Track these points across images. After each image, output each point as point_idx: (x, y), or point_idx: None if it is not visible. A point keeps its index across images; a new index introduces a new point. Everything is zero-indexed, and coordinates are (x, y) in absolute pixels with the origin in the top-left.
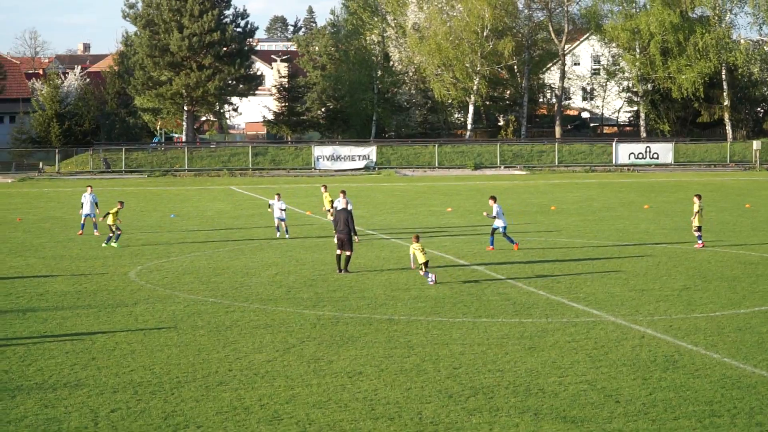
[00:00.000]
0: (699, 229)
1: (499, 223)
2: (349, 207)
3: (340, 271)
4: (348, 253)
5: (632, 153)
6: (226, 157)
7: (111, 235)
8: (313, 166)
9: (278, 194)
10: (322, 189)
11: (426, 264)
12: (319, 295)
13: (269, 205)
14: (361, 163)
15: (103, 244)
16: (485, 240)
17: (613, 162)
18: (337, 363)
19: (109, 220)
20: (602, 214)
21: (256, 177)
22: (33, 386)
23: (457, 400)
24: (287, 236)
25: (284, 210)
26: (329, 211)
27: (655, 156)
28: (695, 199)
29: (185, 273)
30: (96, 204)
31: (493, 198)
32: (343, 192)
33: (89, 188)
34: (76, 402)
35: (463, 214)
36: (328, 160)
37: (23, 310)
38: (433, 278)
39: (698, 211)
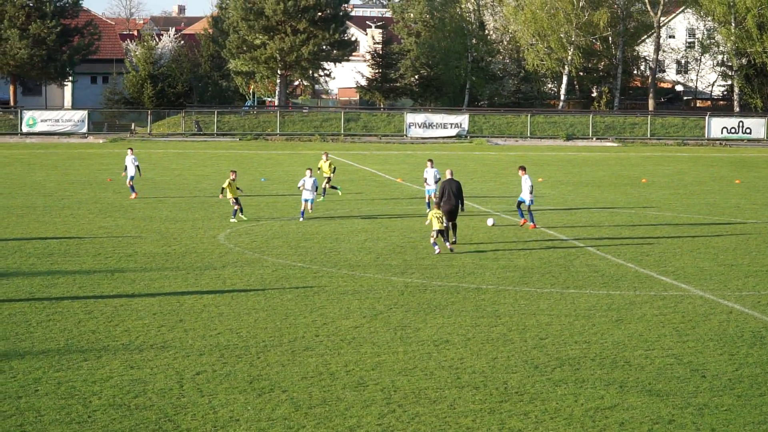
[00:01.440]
0: None
1: (525, 197)
2: (437, 175)
3: (448, 241)
4: (453, 223)
5: (725, 127)
6: (318, 122)
7: (235, 208)
8: (405, 133)
9: (309, 169)
10: (323, 156)
11: (441, 232)
12: (408, 262)
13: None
14: (453, 131)
15: (231, 219)
16: (576, 211)
17: (706, 136)
18: (424, 331)
19: (228, 194)
20: (693, 188)
21: (347, 143)
22: (119, 347)
23: (543, 370)
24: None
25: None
26: (328, 178)
27: (748, 131)
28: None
29: (274, 237)
30: (138, 167)
31: (523, 168)
32: (431, 161)
33: (130, 150)
34: (162, 364)
35: (554, 184)
36: (420, 127)
37: (111, 270)
38: (439, 250)
39: None
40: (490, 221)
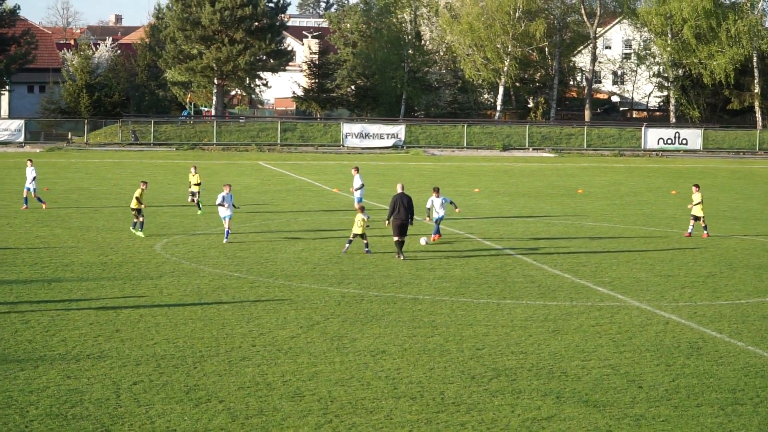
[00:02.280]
0: (697, 218)
1: (438, 214)
2: (360, 183)
3: (401, 256)
4: (402, 239)
5: (661, 138)
6: (255, 132)
7: (135, 221)
8: (341, 143)
9: (228, 185)
10: (192, 170)
11: (361, 236)
12: (344, 272)
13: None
14: (390, 142)
15: (131, 229)
16: (513, 221)
17: (642, 147)
18: (361, 341)
19: (133, 204)
20: (629, 198)
21: (284, 153)
22: (56, 357)
23: (479, 381)
24: None
25: None
26: (195, 193)
27: (684, 142)
28: (694, 189)
29: (211, 247)
30: (34, 179)
31: (436, 190)
32: (356, 168)
33: (29, 161)
34: (99, 373)
35: (490, 195)
36: (356, 137)
37: (48, 280)
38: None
39: (700, 202)
40: (422, 240)
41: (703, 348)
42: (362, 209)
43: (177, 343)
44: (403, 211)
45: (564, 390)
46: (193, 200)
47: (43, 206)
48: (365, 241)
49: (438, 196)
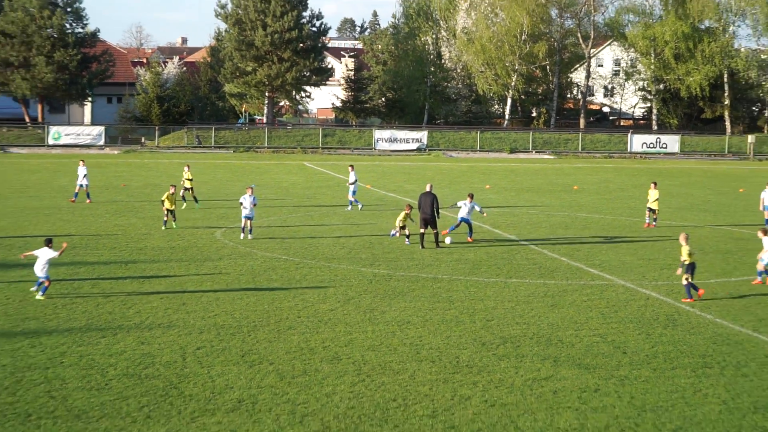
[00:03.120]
0: (652, 211)
1: (462, 215)
2: (353, 178)
3: (423, 247)
4: (435, 231)
5: (645, 143)
6: (300, 137)
7: (165, 219)
8: (373, 146)
9: (250, 187)
10: (186, 168)
11: (402, 227)
12: (375, 255)
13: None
14: (414, 145)
15: (162, 228)
16: (518, 212)
17: (628, 150)
18: (389, 313)
19: (167, 205)
20: (617, 194)
21: (324, 155)
22: (131, 326)
23: (489, 347)
24: None
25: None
26: (187, 189)
27: (664, 146)
28: (652, 186)
29: (262, 235)
30: (86, 176)
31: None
32: (351, 166)
33: (81, 162)
34: (168, 340)
35: (499, 191)
36: (386, 141)
37: (125, 261)
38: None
39: (656, 198)
40: (448, 240)
41: (678, 320)
42: (409, 207)
43: (234, 315)
44: (428, 207)
45: (560, 355)
46: (184, 197)
47: (88, 201)
48: (406, 232)
49: (471, 202)
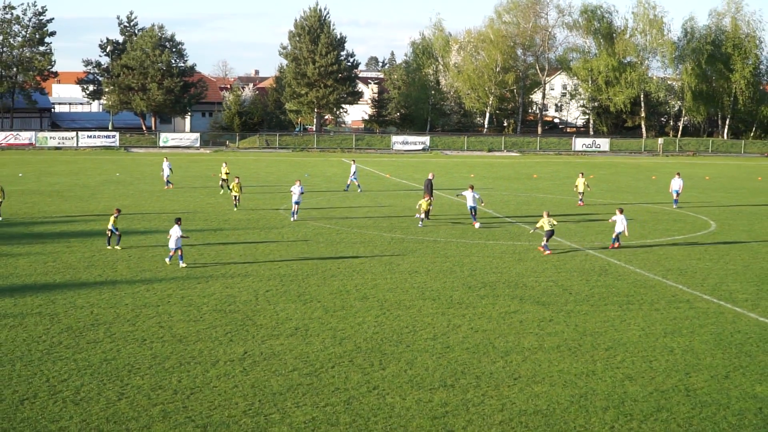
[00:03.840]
0: (581, 193)
1: (470, 203)
2: (354, 170)
3: (428, 218)
4: (430, 207)
5: (584, 144)
6: (339, 140)
7: (235, 203)
8: (391, 147)
9: (299, 180)
10: (224, 165)
11: (426, 213)
12: (393, 224)
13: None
14: (420, 146)
15: (234, 209)
16: (494, 194)
17: (572, 149)
18: (403, 265)
19: (234, 190)
20: (565, 180)
21: (357, 153)
22: (218, 275)
23: (473, 289)
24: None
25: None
26: (225, 180)
27: (599, 146)
28: (580, 175)
29: (313, 209)
30: (171, 169)
31: (471, 186)
32: (353, 160)
33: (165, 158)
34: (245, 285)
35: (480, 178)
36: (400, 144)
37: (214, 229)
38: (422, 224)
39: (587, 184)
40: (477, 225)
41: (608, 270)
42: (428, 196)
43: (292, 266)
44: (427, 190)
45: (524, 295)
46: (222, 186)
47: (171, 186)
48: (427, 212)
49: (472, 191)
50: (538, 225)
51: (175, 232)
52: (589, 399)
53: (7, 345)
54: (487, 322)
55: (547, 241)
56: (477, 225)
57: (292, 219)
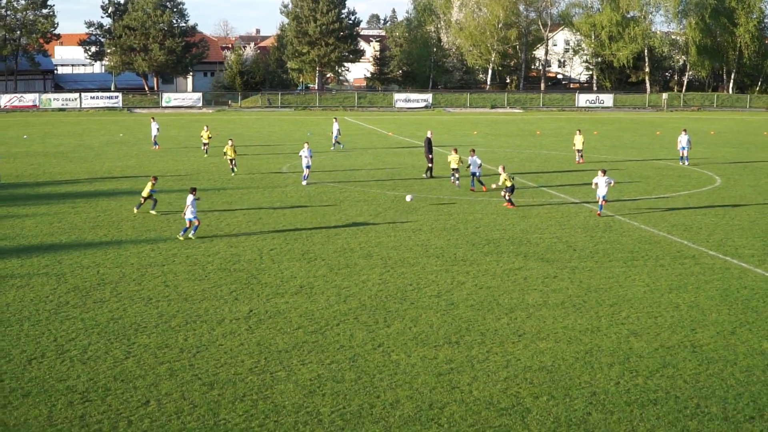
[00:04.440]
0: (579, 150)
1: (474, 170)
2: (478, 161)
3: (431, 177)
4: (431, 165)
5: (588, 100)
6: (341, 98)
7: (231, 166)
8: (393, 105)
9: (306, 142)
10: (205, 127)
11: (455, 169)
12: (396, 182)
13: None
14: (423, 104)
15: (231, 174)
16: (498, 151)
17: (575, 105)
18: (407, 223)
19: (229, 154)
20: (568, 137)
21: (359, 111)
22: (223, 234)
23: (477, 246)
24: None
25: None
26: (206, 144)
27: (602, 102)
28: (578, 132)
29: (316, 169)
30: (158, 129)
31: (472, 150)
32: (336, 118)
33: (152, 118)
34: (249, 244)
35: (484, 135)
36: (402, 101)
37: (218, 188)
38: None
39: (583, 141)
40: (408, 197)
41: (613, 226)
42: (456, 150)
43: (296, 225)
44: (427, 148)
45: (528, 252)
46: (206, 151)
47: (157, 147)
48: (457, 175)
49: (473, 156)
50: (500, 182)
51: (190, 202)
52: (594, 355)
53: (15, 305)
54: (491, 279)
55: (510, 195)
56: (495, 185)
57: (303, 183)
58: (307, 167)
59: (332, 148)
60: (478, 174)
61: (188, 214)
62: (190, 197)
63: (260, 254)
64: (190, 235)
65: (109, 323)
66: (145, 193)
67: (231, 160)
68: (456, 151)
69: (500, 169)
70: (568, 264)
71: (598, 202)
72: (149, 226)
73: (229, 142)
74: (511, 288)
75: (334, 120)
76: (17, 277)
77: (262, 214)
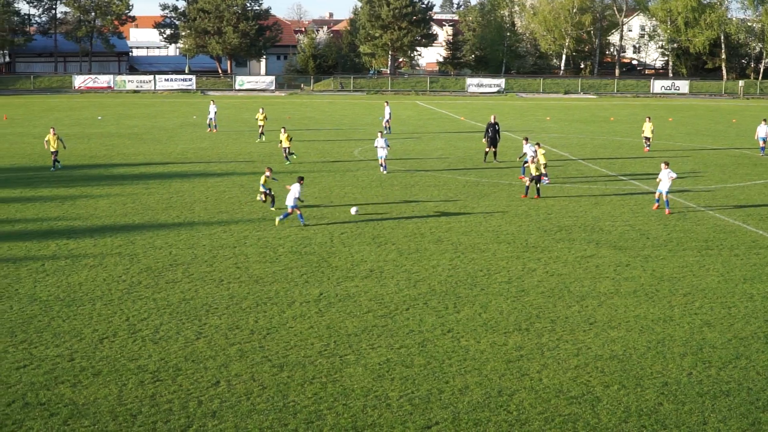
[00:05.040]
0: (647, 138)
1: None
2: (389, 109)
3: (486, 161)
4: (495, 149)
5: (663, 86)
6: (413, 83)
7: (286, 155)
8: (466, 89)
9: (380, 131)
10: (260, 110)
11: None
12: (467, 167)
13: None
14: (495, 89)
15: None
16: (570, 137)
17: (650, 92)
18: (477, 208)
19: (284, 142)
20: (642, 123)
21: (431, 96)
22: (294, 217)
23: (549, 233)
24: None
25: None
26: (261, 126)
27: (677, 88)
28: (647, 120)
29: (391, 154)
30: (216, 113)
31: (526, 139)
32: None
33: (212, 102)
34: (320, 227)
35: (556, 121)
36: (475, 86)
37: (290, 172)
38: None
39: (652, 129)
40: (353, 210)
41: (687, 214)
42: (539, 145)
43: (367, 209)
44: (492, 132)
45: (601, 239)
46: (261, 134)
47: (215, 130)
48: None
49: (527, 144)
50: (536, 161)
51: (295, 189)
52: (667, 345)
53: (88, 284)
54: (562, 266)
55: (538, 183)
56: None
57: (383, 173)
58: (382, 157)
59: (386, 131)
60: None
61: (289, 201)
62: (296, 187)
63: (331, 238)
64: (301, 222)
65: (181, 304)
66: (261, 188)
67: (286, 149)
68: (539, 144)
69: (531, 150)
70: (641, 252)
71: (661, 198)
72: (221, 208)
73: (282, 131)
74: (582, 275)
75: (386, 104)
76: (90, 257)
77: (333, 197)
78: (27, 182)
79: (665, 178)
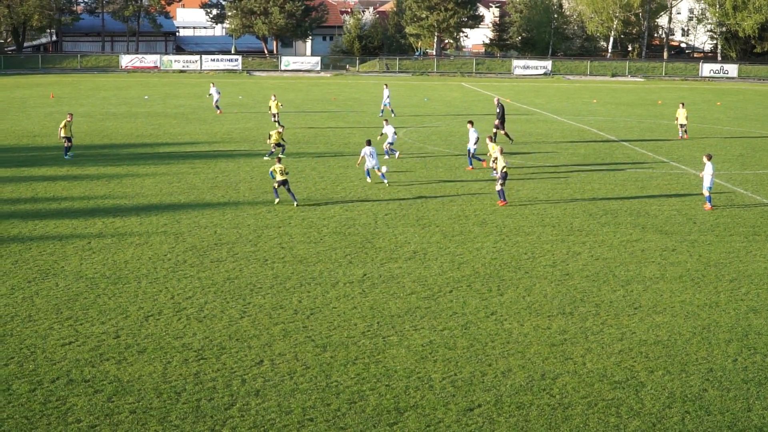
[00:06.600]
0: (682, 125)
1: (470, 146)
2: (387, 92)
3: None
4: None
5: (711, 70)
6: (459, 64)
7: (271, 151)
8: (512, 71)
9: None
10: (273, 97)
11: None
12: (511, 148)
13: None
14: (542, 71)
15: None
16: (617, 120)
17: (699, 75)
18: (522, 192)
19: (273, 109)
20: (690, 107)
21: (476, 78)
22: (339, 199)
23: (594, 216)
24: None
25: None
26: (276, 114)
27: (726, 72)
28: (681, 106)
29: (432, 134)
30: (219, 93)
31: (470, 122)
32: (386, 84)
33: (212, 84)
34: (364, 209)
35: (603, 104)
36: (521, 68)
37: (334, 154)
38: None
39: (686, 116)
40: (384, 168)
41: (735, 200)
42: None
43: (411, 191)
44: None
45: (647, 223)
46: (276, 121)
47: (220, 112)
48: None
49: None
50: (499, 165)
51: (367, 151)
52: (712, 331)
53: (133, 263)
54: (607, 250)
55: (503, 182)
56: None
57: (395, 156)
58: (390, 142)
59: (385, 112)
60: (473, 151)
61: (369, 163)
62: (366, 149)
63: (375, 219)
64: (385, 182)
65: (226, 283)
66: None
67: (274, 115)
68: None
69: (498, 151)
70: (687, 237)
71: (704, 194)
72: (266, 188)
73: (273, 98)
74: (627, 260)
75: (385, 86)
76: (136, 235)
77: (377, 178)
78: (74, 161)
79: (707, 173)
